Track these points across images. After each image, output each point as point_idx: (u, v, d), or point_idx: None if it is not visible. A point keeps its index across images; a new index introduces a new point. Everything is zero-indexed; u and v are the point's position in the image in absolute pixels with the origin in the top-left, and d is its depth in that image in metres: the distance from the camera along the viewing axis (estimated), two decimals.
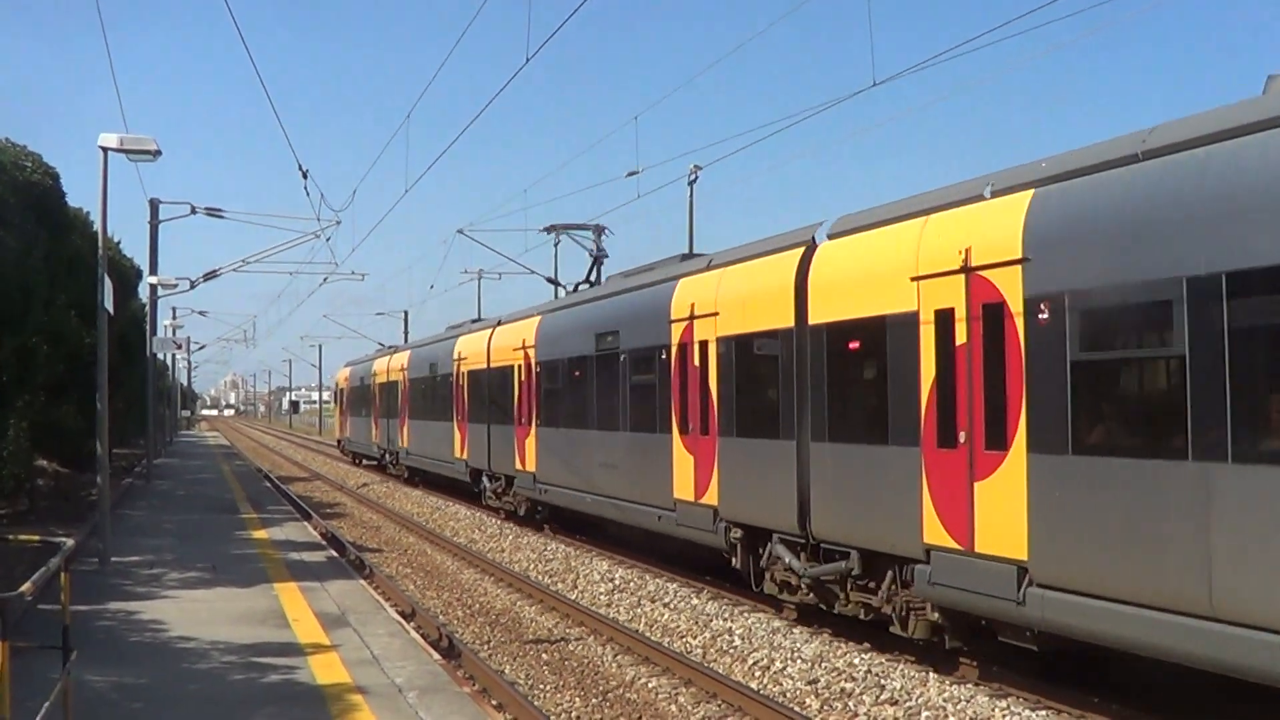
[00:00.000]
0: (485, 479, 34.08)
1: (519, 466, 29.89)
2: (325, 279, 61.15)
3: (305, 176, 33.57)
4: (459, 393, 36.83)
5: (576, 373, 25.81)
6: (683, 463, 20.24)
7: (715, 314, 19.04)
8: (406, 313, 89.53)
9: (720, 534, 18.86)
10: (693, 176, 43.99)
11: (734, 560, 18.69)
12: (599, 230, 32.69)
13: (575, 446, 25.87)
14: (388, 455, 51.66)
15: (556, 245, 54.68)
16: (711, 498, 19.05)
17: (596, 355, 24.38)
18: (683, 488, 20.21)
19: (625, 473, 23.06)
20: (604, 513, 24.47)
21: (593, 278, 32.37)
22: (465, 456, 36.06)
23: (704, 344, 19.41)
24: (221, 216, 44.76)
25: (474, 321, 40.21)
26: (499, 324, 33.75)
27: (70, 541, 9.61)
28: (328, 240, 66.02)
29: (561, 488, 26.79)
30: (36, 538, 11.45)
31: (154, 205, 44.10)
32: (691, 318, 19.85)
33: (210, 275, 47.02)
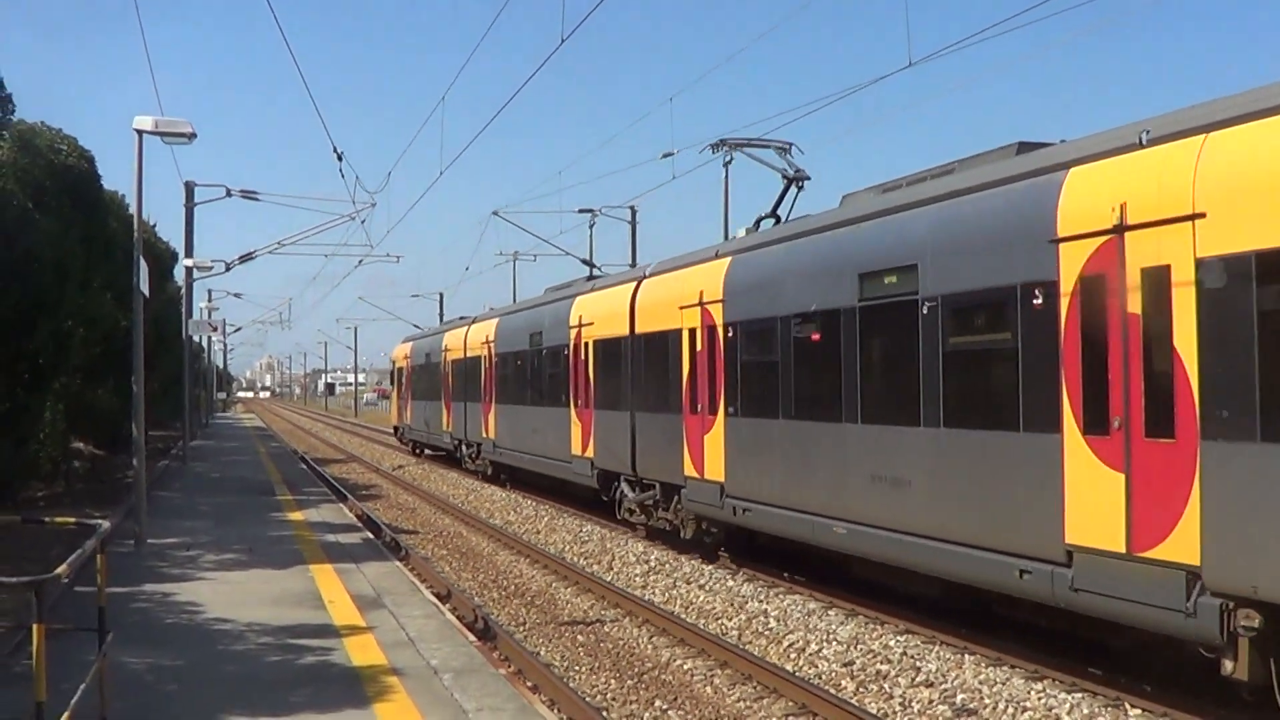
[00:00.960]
0: (625, 486, 25.51)
1: (692, 472, 21.65)
2: (360, 261, 61.91)
3: (340, 159, 33.64)
4: (579, 370, 28.29)
5: (813, 334, 17.50)
6: (1099, 483, 11.75)
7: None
8: (442, 294, 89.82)
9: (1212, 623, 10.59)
10: (728, 158, 43.87)
11: (1229, 665, 10.67)
12: (786, 147, 24.09)
13: (811, 448, 17.62)
14: (465, 447, 43.13)
15: (592, 226, 54.72)
16: (1179, 550, 10.85)
17: (862, 306, 16.08)
18: (1097, 529, 11.75)
19: (939, 494, 14.40)
20: (875, 550, 16.09)
21: (783, 212, 22.85)
22: (589, 454, 27.60)
23: (1160, 274, 11.05)
24: (256, 199, 45.02)
25: (591, 279, 32.74)
26: (645, 277, 25.40)
27: (106, 524, 9.59)
28: (363, 223, 66.18)
29: (775, 508, 18.67)
30: (72, 520, 11.43)
31: (189, 188, 44.35)
32: (1120, 229, 11.50)
33: (245, 258, 47.26)
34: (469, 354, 41.67)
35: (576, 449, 28.47)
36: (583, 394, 28.11)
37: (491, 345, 38.23)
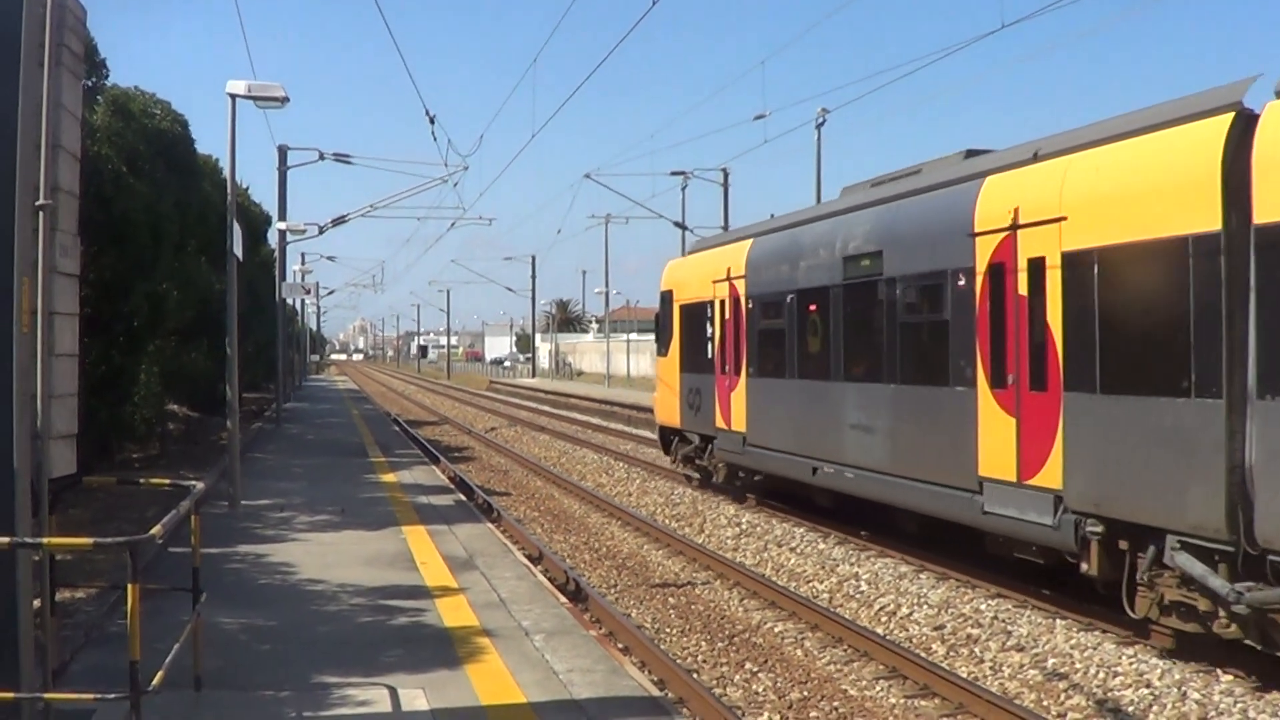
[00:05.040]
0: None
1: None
2: (453, 224, 62.01)
3: (432, 122, 33.60)
4: None
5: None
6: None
7: None
8: (534, 257, 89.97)
9: None
10: (820, 120, 43.60)
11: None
12: None
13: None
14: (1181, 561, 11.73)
15: (684, 189, 54.51)
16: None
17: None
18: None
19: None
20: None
21: None
22: None
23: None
24: (349, 162, 45.24)
25: None
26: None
27: (200, 485, 9.62)
28: (455, 185, 66.25)
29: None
30: (167, 481, 11.52)
31: (282, 152, 44.59)
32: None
33: (339, 221, 47.47)
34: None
35: None
36: None
37: None
